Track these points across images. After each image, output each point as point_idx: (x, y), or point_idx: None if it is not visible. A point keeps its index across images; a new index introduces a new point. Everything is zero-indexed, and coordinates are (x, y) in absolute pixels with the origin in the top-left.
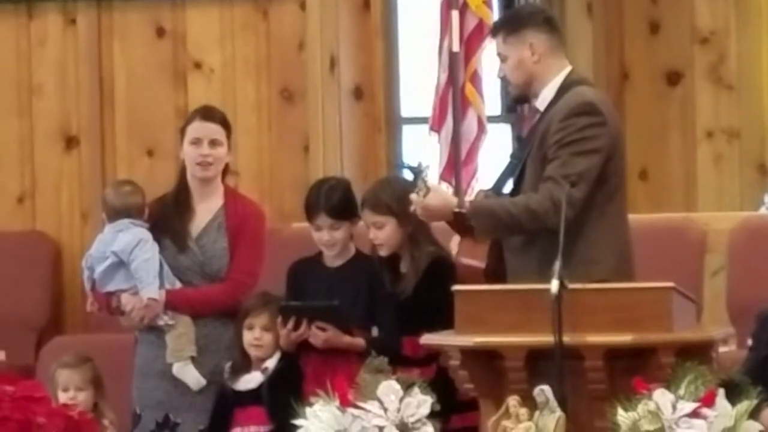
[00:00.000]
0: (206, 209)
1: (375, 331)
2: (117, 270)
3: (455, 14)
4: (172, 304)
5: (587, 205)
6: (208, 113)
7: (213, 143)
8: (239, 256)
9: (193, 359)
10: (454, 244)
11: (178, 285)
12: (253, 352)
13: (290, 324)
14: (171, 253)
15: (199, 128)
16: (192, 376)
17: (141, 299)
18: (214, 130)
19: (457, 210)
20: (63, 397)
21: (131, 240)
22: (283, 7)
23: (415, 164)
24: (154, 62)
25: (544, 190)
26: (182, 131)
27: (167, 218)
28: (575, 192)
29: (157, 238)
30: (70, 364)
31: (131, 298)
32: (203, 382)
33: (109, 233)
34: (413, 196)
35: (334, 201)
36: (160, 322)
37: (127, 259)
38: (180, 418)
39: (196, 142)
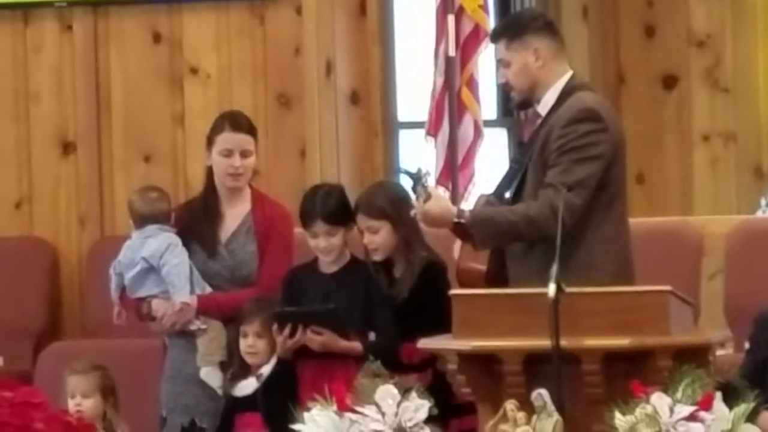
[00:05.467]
0: (234, 214)
1: (372, 336)
2: (147, 275)
3: (451, 19)
4: (203, 308)
5: (588, 210)
6: (237, 123)
7: (244, 154)
8: (268, 260)
9: (222, 364)
10: (456, 248)
11: (208, 290)
12: (248, 360)
13: (286, 331)
14: (200, 258)
15: (230, 139)
16: (218, 380)
17: (173, 304)
18: (245, 140)
19: (456, 220)
20: (71, 404)
21: (160, 245)
22: (280, 12)
23: (414, 170)
24: (151, 68)
25: (544, 197)
26: (209, 139)
27: (196, 224)
28: (575, 199)
29: (186, 244)
30: (78, 370)
31: (162, 303)
32: None
33: (137, 239)
34: (414, 202)
35: (330, 207)
36: (193, 327)
37: (157, 264)
38: (206, 423)
39: (228, 153)
